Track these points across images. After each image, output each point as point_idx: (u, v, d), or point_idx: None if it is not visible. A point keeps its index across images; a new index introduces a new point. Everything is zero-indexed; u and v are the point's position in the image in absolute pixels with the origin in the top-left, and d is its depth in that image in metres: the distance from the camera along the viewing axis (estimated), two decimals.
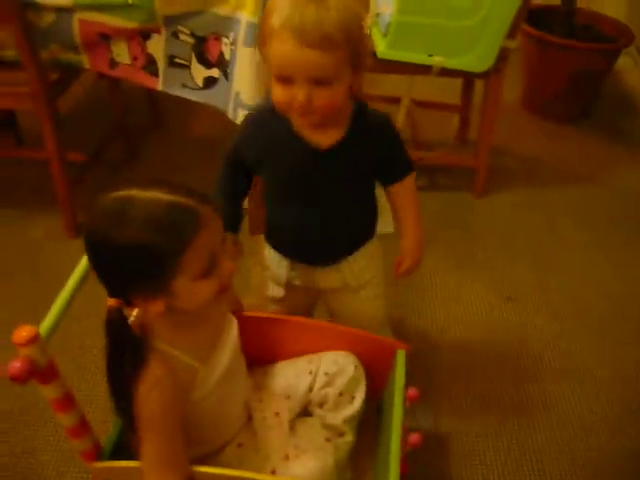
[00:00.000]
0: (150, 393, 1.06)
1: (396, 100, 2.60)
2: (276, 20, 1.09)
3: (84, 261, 1.19)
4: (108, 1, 1.78)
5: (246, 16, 1.74)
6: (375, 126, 1.31)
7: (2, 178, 2.57)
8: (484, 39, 2.02)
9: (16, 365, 1.00)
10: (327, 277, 1.49)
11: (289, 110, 1.19)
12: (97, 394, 1.73)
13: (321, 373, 1.39)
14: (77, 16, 1.85)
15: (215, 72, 1.88)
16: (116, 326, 1.08)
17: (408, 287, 2.08)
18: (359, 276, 1.50)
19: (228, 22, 1.79)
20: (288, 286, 1.51)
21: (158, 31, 1.86)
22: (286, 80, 1.14)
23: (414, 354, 1.40)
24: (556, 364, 1.87)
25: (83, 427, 1.17)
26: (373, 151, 1.32)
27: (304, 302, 1.59)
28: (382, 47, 2.05)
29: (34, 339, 1.01)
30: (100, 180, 2.50)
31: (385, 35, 2.04)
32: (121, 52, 1.94)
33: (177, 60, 1.91)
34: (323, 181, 1.32)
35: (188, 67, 1.91)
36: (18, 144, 2.67)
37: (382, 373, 1.45)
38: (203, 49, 1.87)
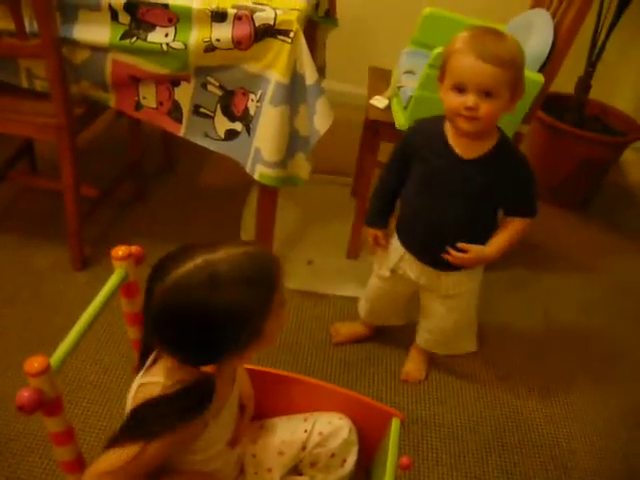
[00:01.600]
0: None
1: None
2: (460, 44, 1.43)
3: (100, 297, 1.20)
4: (144, 46, 1.83)
5: (276, 76, 1.79)
6: (514, 160, 1.58)
7: (13, 204, 2.60)
8: (500, 122, 2.07)
9: (25, 395, 1.00)
10: (426, 276, 1.78)
11: (456, 116, 1.48)
12: (87, 431, 1.73)
13: (315, 432, 1.40)
14: (111, 56, 1.90)
15: (238, 126, 1.93)
16: (206, 393, 1.08)
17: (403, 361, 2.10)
18: (452, 287, 1.78)
19: (257, 79, 1.84)
20: (393, 271, 1.85)
21: (188, 79, 1.90)
22: (460, 89, 1.44)
23: (408, 424, 1.41)
24: (543, 450, 1.88)
25: (79, 463, 1.17)
26: (504, 179, 1.56)
27: (402, 290, 1.92)
28: (402, 120, 2.09)
29: (45, 370, 1.01)
30: (107, 216, 2.54)
31: (406, 108, 2.09)
32: (148, 95, 1.98)
33: (202, 110, 1.95)
34: (456, 185, 1.59)
35: (212, 117, 1.95)
36: (32, 172, 2.70)
37: (374, 438, 1.46)
38: (229, 102, 1.91)
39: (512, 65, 1.40)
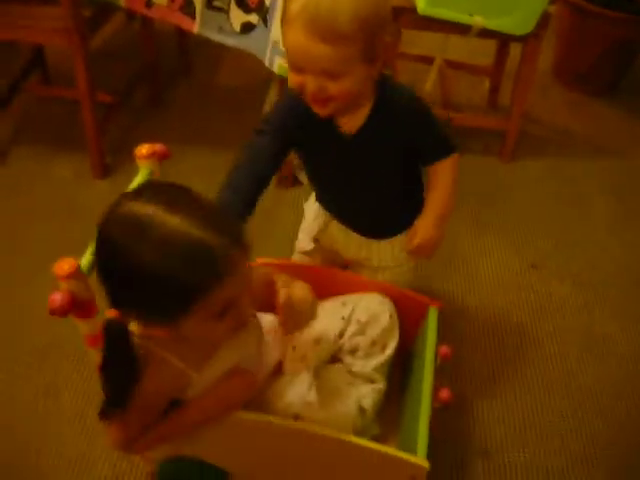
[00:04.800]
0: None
1: (429, 59, 2.57)
2: (295, 6, 1.07)
3: None
4: None
5: None
6: (401, 105, 1.26)
7: (29, 116, 2.55)
8: (527, 2, 1.98)
9: (57, 298, 0.98)
10: (354, 248, 1.52)
11: (306, 98, 1.17)
12: None
13: (354, 320, 1.38)
14: None
15: (253, 18, 1.85)
16: (116, 338, 1.02)
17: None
18: (382, 259, 1.51)
19: None
20: (316, 242, 1.55)
21: None
22: (298, 69, 1.13)
23: (440, 314, 1.39)
24: (578, 336, 1.86)
25: None
26: (401, 131, 1.27)
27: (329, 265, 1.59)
28: (422, 4, 2.01)
29: (75, 272, 0.99)
30: (124, 123, 2.50)
31: None
32: None
33: (215, 3, 1.88)
34: (353, 166, 1.32)
35: (226, 11, 1.88)
36: (45, 82, 2.65)
37: (412, 328, 1.45)
38: None
39: (357, 34, 1.07)
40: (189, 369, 1.08)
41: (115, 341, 1.02)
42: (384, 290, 1.43)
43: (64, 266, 0.99)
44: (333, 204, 1.49)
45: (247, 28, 1.88)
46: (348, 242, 1.52)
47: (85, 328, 1.08)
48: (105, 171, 2.25)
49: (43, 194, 2.19)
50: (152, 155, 1.25)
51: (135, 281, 0.92)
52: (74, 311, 1.01)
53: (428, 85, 2.53)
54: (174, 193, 0.96)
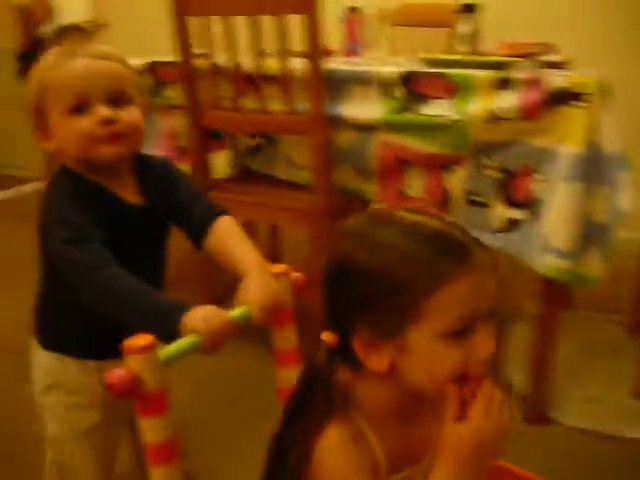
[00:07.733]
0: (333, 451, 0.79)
1: None
2: (52, 60, 1.03)
3: None
4: (417, 120, 1.67)
5: (569, 148, 1.49)
6: (159, 169, 1.14)
7: None
8: None
9: (117, 373, 0.76)
10: None
11: (90, 144, 1.02)
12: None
13: None
14: (379, 137, 1.75)
15: (519, 213, 1.61)
16: (316, 366, 0.84)
17: None
18: None
19: (545, 155, 1.55)
20: (104, 403, 1.11)
21: (462, 162, 1.66)
22: (81, 105, 1.01)
23: None
24: None
25: None
26: (168, 196, 1.12)
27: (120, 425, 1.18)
28: None
29: (149, 348, 0.77)
30: None
31: None
32: (414, 184, 1.76)
33: (475, 198, 1.66)
34: (146, 243, 1.11)
35: (487, 206, 1.65)
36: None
37: None
38: (509, 185, 1.61)
39: (132, 73, 1.09)
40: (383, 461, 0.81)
41: (314, 383, 0.84)
42: None
43: (139, 340, 0.77)
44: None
45: (511, 225, 1.63)
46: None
47: (148, 431, 0.79)
48: None
49: None
50: None
51: (378, 267, 0.78)
52: (135, 397, 0.77)
53: None
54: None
